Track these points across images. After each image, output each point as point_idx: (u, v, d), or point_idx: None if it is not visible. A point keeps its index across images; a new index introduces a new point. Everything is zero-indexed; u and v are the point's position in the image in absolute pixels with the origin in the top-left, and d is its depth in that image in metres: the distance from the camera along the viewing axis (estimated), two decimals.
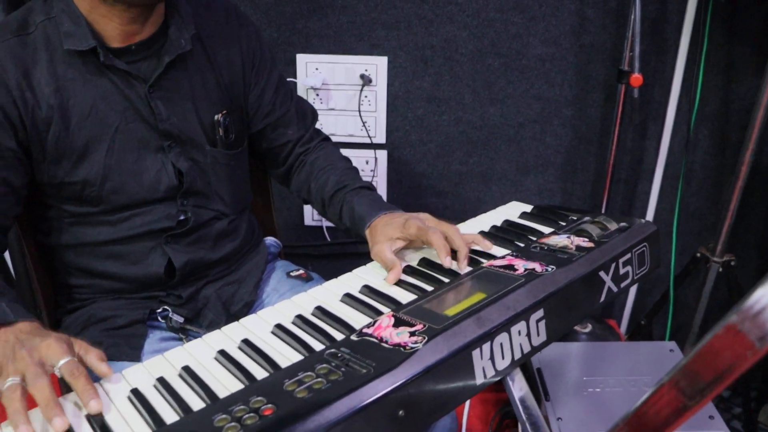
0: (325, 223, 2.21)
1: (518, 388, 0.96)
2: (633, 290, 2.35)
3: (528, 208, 1.34)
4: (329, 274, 1.36)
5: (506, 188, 2.21)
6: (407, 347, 0.83)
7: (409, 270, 1.09)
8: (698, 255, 1.99)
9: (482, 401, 2.03)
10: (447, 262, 1.06)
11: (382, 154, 2.12)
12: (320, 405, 0.74)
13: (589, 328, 2.19)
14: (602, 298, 1.09)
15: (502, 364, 0.92)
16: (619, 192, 2.19)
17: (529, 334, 0.96)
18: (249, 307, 1.28)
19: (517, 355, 0.94)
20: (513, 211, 1.33)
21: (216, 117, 1.22)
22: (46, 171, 1.10)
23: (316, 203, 1.35)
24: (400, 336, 0.86)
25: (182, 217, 1.19)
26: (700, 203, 2.19)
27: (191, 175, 1.18)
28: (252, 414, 0.73)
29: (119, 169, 1.12)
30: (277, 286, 1.33)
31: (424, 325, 0.88)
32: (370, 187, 1.30)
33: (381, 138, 2.10)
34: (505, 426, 1.93)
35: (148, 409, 0.78)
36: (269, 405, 0.74)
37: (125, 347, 1.13)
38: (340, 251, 2.26)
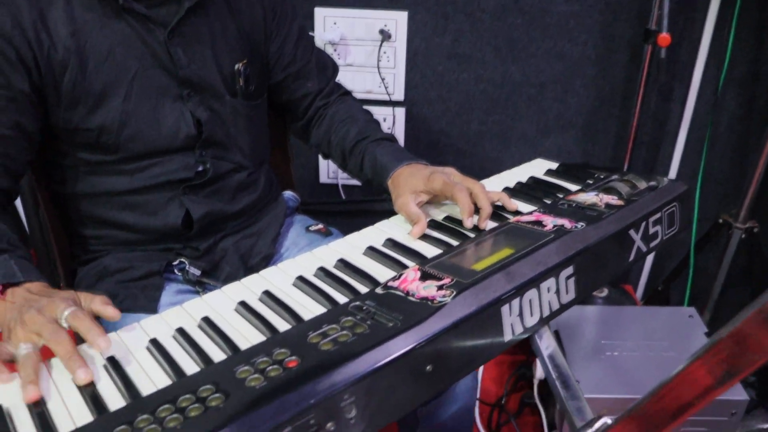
0: (341, 181, 2.18)
1: (546, 345, 0.93)
2: (650, 256, 2.31)
3: (553, 165, 1.31)
4: (344, 232, 1.33)
5: (525, 149, 2.16)
6: (435, 301, 0.81)
7: (433, 224, 1.06)
8: (720, 221, 1.96)
9: (497, 363, 2.02)
10: (468, 223, 1.03)
11: (401, 112, 2.08)
12: (346, 358, 0.71)
13: (605, 292, 2.16)
14: (631, 257, 1.06)
15: (531, 321, 0.90)
16: (640, 155, 2.14)
17: (558, 291, 0.93)
18: (267, 260, 1.25)
19: (546, 313, 0.92)
20: (538, 168, 1.30)
21: (236, 66, 1.18)
22: (61, 116, 1.07)
23: (336, 156, 1.32)
24: (427, 290, 0.83)
25: (200, 168, 1.16)
26: (723, 168, 2.14)
27: (210, 124, 1.15)
28: (275, 366, 0.71)
29: (137, 116, 1.09)
30: (296, 240, 1.30)
31: (452, 279, 0.85)
32: (391, 139, 1.27)
33: (399, 95, 2.06)
34: (519, 387, 1.92)
35: (168, 359, 0.76)
36: (293, 357, 0.72)
37: (141, 299, 1.11)
38: (355, 209, 2.23)
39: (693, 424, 1.54)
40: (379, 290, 0.85)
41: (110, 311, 0.83)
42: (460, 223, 1.05)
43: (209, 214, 1.18)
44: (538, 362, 1.80)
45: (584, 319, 1.79)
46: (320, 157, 2.14)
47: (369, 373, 0.71)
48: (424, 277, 0.87)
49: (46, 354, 0.77)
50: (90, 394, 0.71)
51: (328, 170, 2.17)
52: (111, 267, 1.15)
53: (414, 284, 0.85)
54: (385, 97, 2.04)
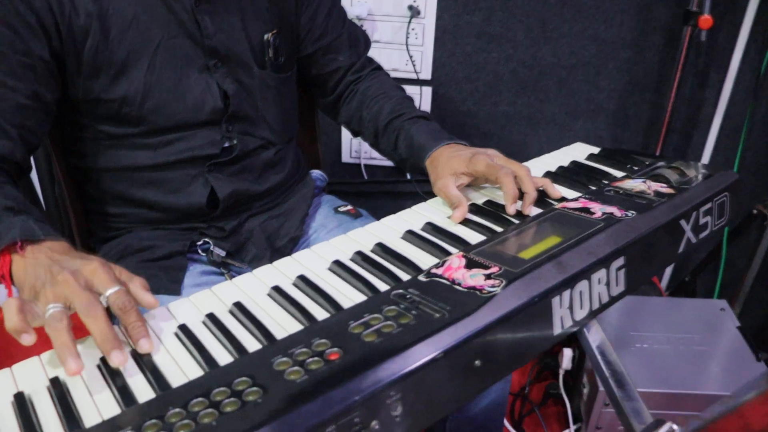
0: (363, 161, 2.12)
1: (595, 337, 0.88)
2: None
3: (595, 149, 1.24)
4: (368, 212, 1.28)
5: (554, 132, 2.10)
6: (484, 291, 0.75)
7: (474, 209, 1.00)
8: (754, 212, 1.89)
9: None
10: (512, 209, 0.97)
11: (427, 91, 2.02)
12: (392, 351, 0.66)
13: None
14: (681, 248, 1.01)
15: (580, 314, 0.84)
16: (672, 142, 2.08)
17: (608, 283, 0.87)
18: (294, 242, 1.20)
19: (596, 306, 0.86)
20: (579, 152, 1.24)
21: (266, 36, 1.12)
22: (82, 86, 1.01)
23: (368, 133, 1.26)
24: (475, 278, 0.78)
25: (227, 144, 1.11)
26: (759, 158, 2.07)
27: (238, 98, 1.09)
28: (316, 358, 0.65)
29: (160, 87, 1.03)
30: (325, 221, 1.24)
31: (500, 268, 0.80)
32: (427, 117, 1.21)
33: (426, 74, 1.99)
34: (543, 377, 1.87)
35: (199, 347, 0.70)
36: (334, 349, 0.67)
37: (164, 280, 1.06)
38: (378, 189, 2.17)
39: None
40: (422, 278, 0.80)
41: (149, 299, 0.76)
42: (502, 207, 0.99)
43: (235, 193, 1.12)
44: (564, 353, 1.75)
45: (612, 309, 1.72)
46: (342, 136, 2.09)
47: (417, 368, 0.65)
48: (470, 264, 0.81)
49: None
50: (119, 384, 0.65)
51: (350, 149, 2.11)
52: (133, 246, 1.10)
53: (460, 272, 0.80)
54: (412, 76, 1.98)
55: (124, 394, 0.64)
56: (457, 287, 0.77)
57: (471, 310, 0.72)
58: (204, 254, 1.12)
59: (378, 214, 1.27)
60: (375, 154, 2.12)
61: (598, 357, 0.85)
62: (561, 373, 1.76)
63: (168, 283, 1.05)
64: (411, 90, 2.00)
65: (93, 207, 1.16)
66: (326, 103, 1.33)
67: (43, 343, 0.69)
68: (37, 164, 1.53)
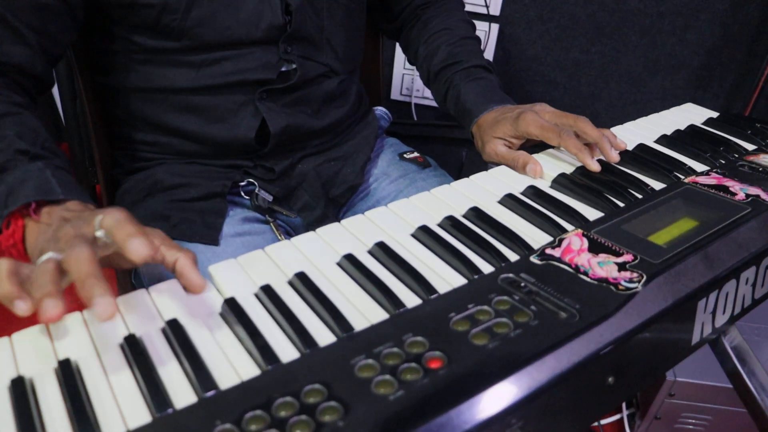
0: (415, 100, 1.92)
1: (732, 337, 0.72)
2: None
3: (712, 113, 1.05)
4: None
5: (626, 87, 1.89)
6: (620, 286, 0.58)
7: (580, 173, 0.82)
8: None
9: None
10: (595, 166, 0.81)
11: (494, 29, 1.81)
12: (514, 363, 0.50)
13: None
14: None
15: (721, 319, 0.68)
16: (759, 109, 1.87)
17: (755, 284, 0.70)
18: (353, 191, 1.02)
19: (738, 310, 0.70)
20: (694, 115, 1.04)
21: None
22: None
23: (422, 72, 1.11)
24: (605, 268, 0.61)
25: (285, 68, 0.92)
26: None
27: (301, 13, 0.90)
28: (412, 365, 0.49)
29: None
30: (388, 169, 1.06)
31: (635, 257, 0.62)
32: (486, 67, 1.05)
33: (495, 9, 1.78)
34: None
35: (254, 334, 0.53)
36: (435, 353, 0.50)
37: (200, 226, 0.88)
38: (430, 134, 1.97)
39: None
40: (535, 259, 0.63)
41: (197, 278, 0.57)
42: (615, 172, 0.82)
43: (290, 128, 0.94)
44: None
45: None
46: (395, 69, 1.89)
47: (546, 387, 0.49)
48: (595, 248, 0.64)
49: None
50: (149, 380, 0.49)
51: (401, 85, 1.91)
52: (164, 181, 0.92)
53: (583, 257, 0.63)
54: (481, 10, 1.77)
55: (156, 394, 0.47)
56: (584, 277, 0.59)
57: (608, 311, 0.55)
58: (247, 197, 0.95)
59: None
60: (427, 92, 1.93)
61: (744, 375, 0.68)
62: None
63: (204, 230, 0.88)
64: (477, 26, 1.78)
65: (119, 132, 0.98)
66: (388, 29, 1.17)
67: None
68: (58, 77, 1.35)
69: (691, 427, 1.48)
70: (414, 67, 1.89)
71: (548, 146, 0.88)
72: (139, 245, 0.52)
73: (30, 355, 0.52)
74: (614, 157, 0.83)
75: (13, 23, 0.75)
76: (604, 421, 1.56)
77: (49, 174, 0.65)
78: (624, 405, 1.57)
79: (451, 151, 1.91)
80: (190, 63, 0.89)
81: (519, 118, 0.87)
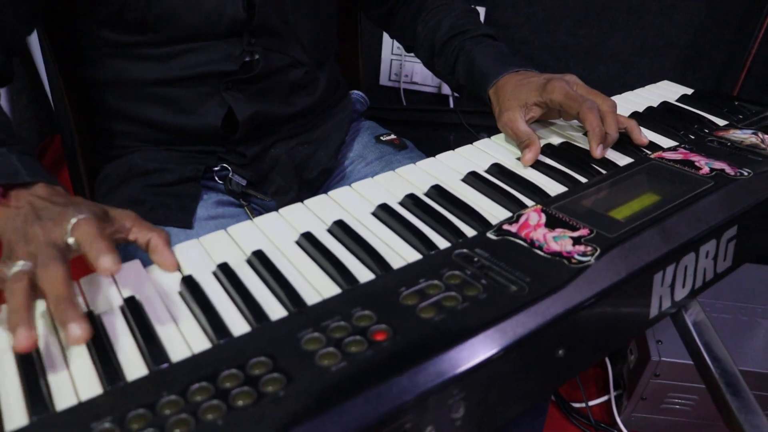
0: (404, 85, 1.93)
1: (693, 313, 0.72)
2: None
3: (687, 90, 1.05)
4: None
5: (614, 70, 1.89)
6: (573, 259, 0.59)
7: (549, 150, 0.82)
8: None
9: None
10: (599, 152, 0.80)
11: (481, 11, 1.80)
12: (458, 335, 0.50)
13: None
14: None
15: (681, 293, 0.68)
16: (747, 89, 1.86)
17: (716, 257, 0.71)
18: (327, 174, 1.02)
19: (698, 284, 0.71)
20: (668, 92, 1.05)
21: None
22: None
23: (423, 50, 1.07)
24: (560, 242, 0.61)
25: (248, 59, 0.92)
26: None
27: (264, 7, 0.90)
28: (357, 337, 0.50)
29: None
30: (363, 152, 1.06)
31: (591, 231, 0.63)
32: (494, 36, 1.02)
33: None
34: None
35: (207, 309, 0.54)
36: (381, 326, 0.51)
37: (174, 210, 0.89)
38: (418, 119, 1.97)
39: None
40: (491, 234, 0.63)
41: (169, 258, 0.59)
42: (582, 150, 0.82)
43: (258, 115, 0.94)
44: None
45: None
46: (382, 54, 1.89)
47: (489, 359, 0.50)
48: (552, 222, 0.65)
49: None
50: (103, 353, 0.50)
51: (389, 71, 1.91)
52: (139, 167, 0.93)
53: (539, 232, 0.63)
54: None
55: (108, 367, 0.49)
56: (538, 251, 0.60)
57: (558, 284, 0.56)
58: (221, 182, 0.96)
59: (417, 147, 1.10)
60: (416, 78, 1.93)
61: (702, 349, 0.69)
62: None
63: (178, 214, 0.89)
64: None
65: (96, 121, 0.99)
66: (376, 15, 1.14)
67: None
68: (48, 69, 1.35)
69: (678, 407, 1.48)
70: (402, 53, 1.90)
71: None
72: (108, 263, 0.52)
73: None
74: (601, 155, 0.80)
75: None
76: (591, 403, 1.57)
77: (14, 159, 0.65)
78: (611, 386, 1.58)
79: (440, 136, 1.92)
80: (155, 57, 0.89)
81: (548, 84, 0.84)
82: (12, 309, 0.50)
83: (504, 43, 1.01)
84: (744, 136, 0.87)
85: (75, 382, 0.48)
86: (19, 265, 0.54)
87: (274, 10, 0.91)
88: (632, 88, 1.06)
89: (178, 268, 0.60)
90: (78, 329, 0.48)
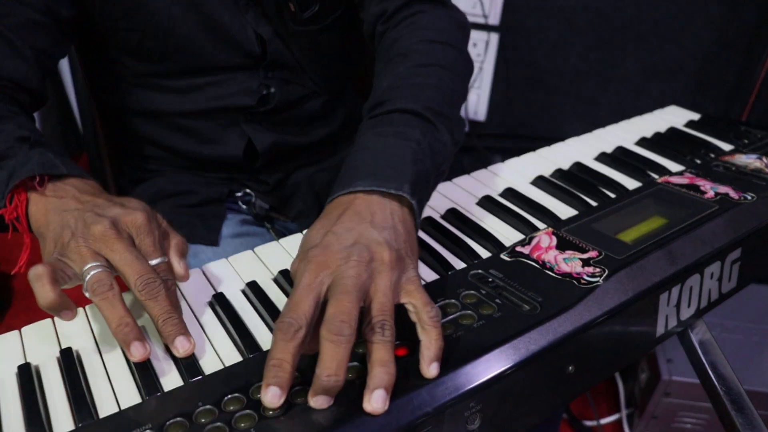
0: None
1: (700, 332, 0.75)
2: None
3: (694, 115, 1.09)
4: None
5: (625, 93, 1.93)
6: (582, 280, 0.62)
7: (558, 174, 0.86)
8: None
9: None
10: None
11: (494, 38, 1.85)
12: (474, 351, 0.54)
13: None
14: None
15: (686, 313, 0.71)
16: (757, 112, 1.89)
17: (720, 279, 0.74)
18: None
19: (704, 304, 0.73)
20: (676, 117, 1.08)
21: None
22: (98, 7, 0.86)
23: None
24: (570, 263, 0.65)
25: (264, 92, 0.95)
26: None
27: (274, 44, 0.93)
28: None
29: (187, 20, 0.87)
30: None
31: (600, 253, 0.66)
32: (415, 112, 0.72)
33: (495, 19, 1.82)
34: None
35: (237, 324, 0.58)
36: (400, 342, 0.54)
37: (201, 228, 0.93)
38: None
39: None
40: (505, 256, 0.67)
41: (181, 269, 0.63)
42: (592, 171, 0.86)
43: (277, 145, 0.98)
44: None
45: None
46: None
47: (504, 373, 0.53)
48: (563, 245, 0.68)
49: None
50: (140, 366, 0.54)
51: None
52: (167, 189, 0.97)
53: (551, 254, 0.67)
54: (480, 20, 1.81)
55: (146, 378, 0.52)
56: (549, 272, 0.64)
57: (568, 304, 0.59)
58: (245, 206, 1.00)
59: None
60: None
61: (707, 367, 0.71)
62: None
63: (204, 232, 0.93)
64: (478, 36, 1.83)
65: (123, 145, 1.03)
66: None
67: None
68: (77, 91, 1.40)
69: (689, 426, 1.50)
70: None
71: (532, 149, 0.92)
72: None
73: (36, 344, 0.57)
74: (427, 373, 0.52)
75: (8, 37, 0.77)
76: (603, 421, 1.59)
77: (50, 155, 0.67)
78: (623, 404, 1.60)
79: (454, 159, 1.95)
80: (176, 89, 0.92)
81: (304, 256, 0.56)
82: (118, 321, 0.53)
83: (417, 121, 0.71)
84: (749, 160, 0.90)
85: (115, 390, 0.52)
86: (94, 268, 0.56)
87: (283, 47, 0.94)
88: (642, 112, 1.09)
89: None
90: (185, 344, 0.55)
